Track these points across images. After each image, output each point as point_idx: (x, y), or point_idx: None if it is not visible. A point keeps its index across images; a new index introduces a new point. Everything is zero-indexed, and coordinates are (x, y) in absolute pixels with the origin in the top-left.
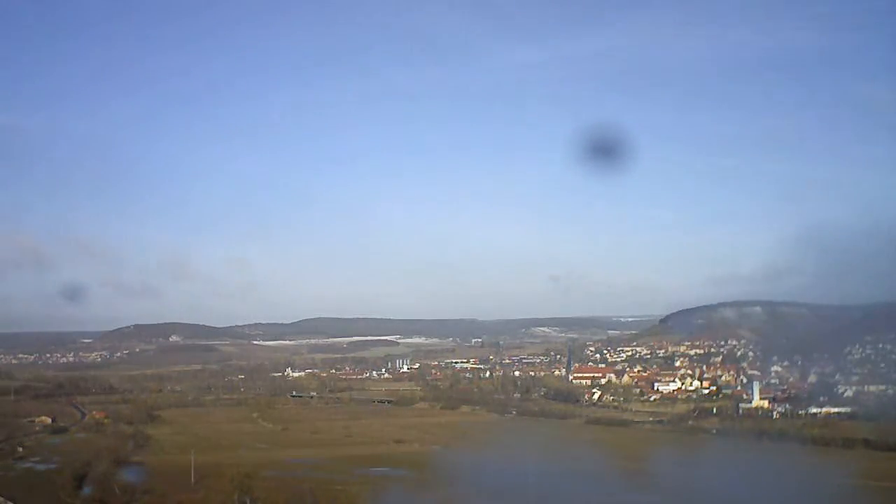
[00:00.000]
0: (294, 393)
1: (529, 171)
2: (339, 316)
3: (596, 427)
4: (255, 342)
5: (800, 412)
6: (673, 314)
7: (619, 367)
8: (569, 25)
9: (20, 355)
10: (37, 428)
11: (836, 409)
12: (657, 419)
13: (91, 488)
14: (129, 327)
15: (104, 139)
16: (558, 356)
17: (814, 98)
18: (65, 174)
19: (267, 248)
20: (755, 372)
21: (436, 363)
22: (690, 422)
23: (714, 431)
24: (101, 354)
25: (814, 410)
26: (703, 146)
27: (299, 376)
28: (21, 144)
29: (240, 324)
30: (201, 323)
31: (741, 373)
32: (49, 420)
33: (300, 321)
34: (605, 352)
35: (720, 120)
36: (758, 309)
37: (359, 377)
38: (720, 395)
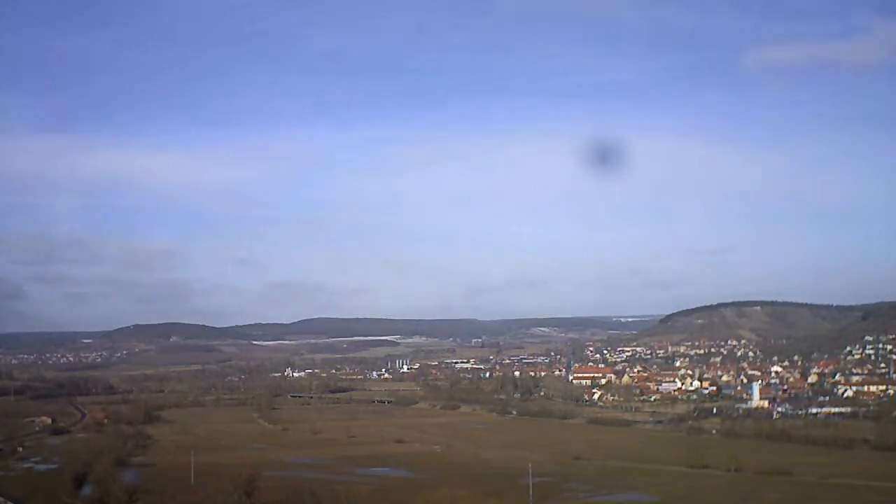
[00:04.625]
0: (294, 393)
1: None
2: (339, 316)
3: (595, 427)
4: (255, 342)
5: (800, 412)
6: (673, 314)
7: (619, 367)
8: None
9: (20, 355)
10: (37, 428)
11: (836, 409)
12: (657, 419)
13: (91, 488)
14: (129, 327)
15: None
16: (558, 356)
17: None
18: None
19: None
20: (755, 372)
21: (436, 363)
22: (690, 422)
23: (714, 432)
24: (101, 354)
25: (814, 410)
26: None
27: (299, 376)
28: None
29: (240, 324)
30: (201, 323)
31: (741, 373)
32: (49, 420)
33: (300, 321)
34: (605, 352)
35: None
36: (758, 309)
37: (359, 377)
38: (720, 396)
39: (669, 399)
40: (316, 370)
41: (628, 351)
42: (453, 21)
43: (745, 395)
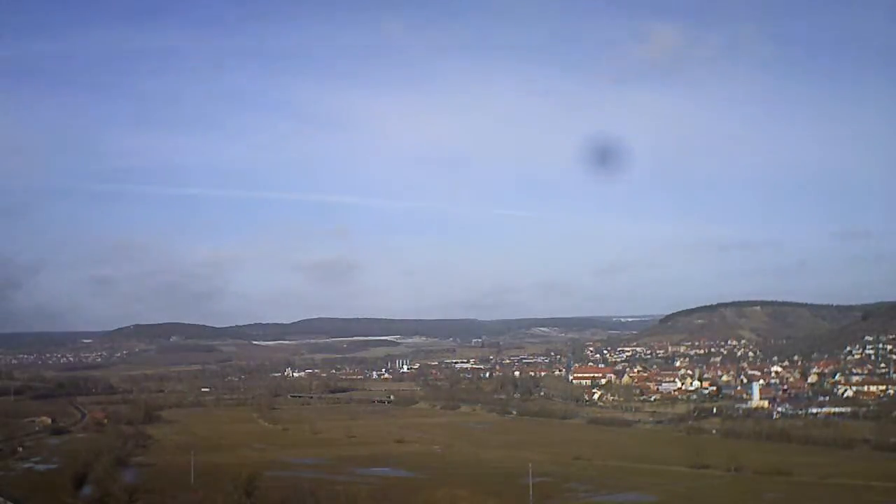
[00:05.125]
0: (294, 393)
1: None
2: (339, 316)
3: (595, 427)
4: (255, 342)
5: (800, 412)
6: (673, 314)
7: (619, 367)
8: None
9: (20, 355)
10: (37, 428)
11: (836, 409)
12: (657, 419)
13: (91, 488)
14: (129, 327)
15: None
16: (558, 356)
17: None
18: None
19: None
20: (755, 372)
21: (436, 363)
22: (690, 422)
23: (714, 432)
24: (101, 354)
25: (814, 410)
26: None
27: (299, 376)
28: None
29: (240, 324)
30: (201, 323)
31: (741, 373)
32: (49, 420)
33: (300, 321)
34: (606, 352)
35: None
36: (758, 309)
37: (359, 377)
38: (720, 396)
39: (669, 399)
40: (316, 370)
41: (628, 351)
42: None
43: (745, 395)
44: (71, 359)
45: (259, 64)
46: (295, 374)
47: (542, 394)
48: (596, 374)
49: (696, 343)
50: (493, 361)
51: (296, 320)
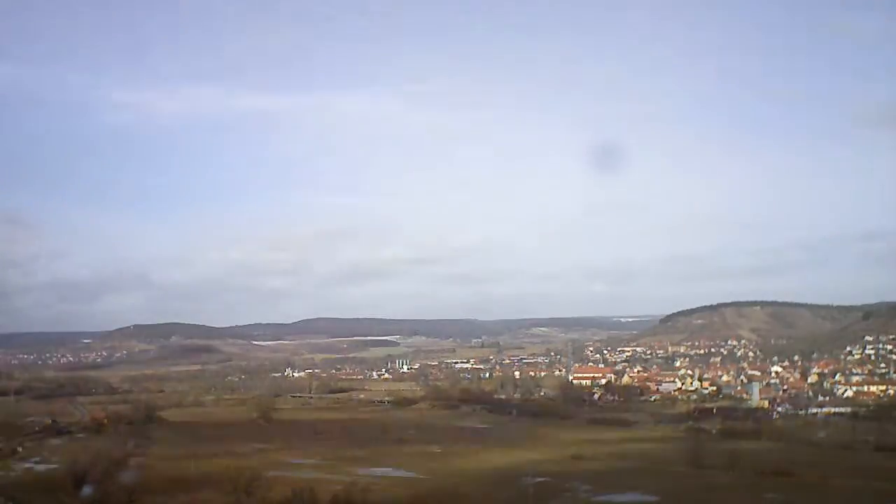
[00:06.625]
0: (294, 393)
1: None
2: (339, 316)
3: (596, 427)
4: (255, 342)
5: (800, 412)
6: (673, 314)
7: (619, 367)
8: None
9: (20, 355)
10: (37, 428)
11: (836, 409)
12: (657, 420)
13: (91, 488)
14: (129, 327)
15: None
16: (558, 356)
17: None
18: None
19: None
20: (755, 372)
21: (436, 363)
22: (690, 422)
23: (714, 432)
24: (101, 354)
25: (814, 410)
26: None
27: (299, 376)
28: None
29: (240, 324)
30: (201, 323)
31: (741, 373)
32: (49, 420)
33: (300, 321)
34: (606, 352)
35: None
36: (758, 309)
37: (359, 377)
38: (720, 396)
39: (669, 399)
40: (316, 370)
41: (628, 351)
42: None
43: (745, 395)
44: (71, 359)
45: None
46: (295, 374)
47: (542, 394)
48: (596, 374)
49: (696, 343)
50: (493, 361)
51: (296, 320)
